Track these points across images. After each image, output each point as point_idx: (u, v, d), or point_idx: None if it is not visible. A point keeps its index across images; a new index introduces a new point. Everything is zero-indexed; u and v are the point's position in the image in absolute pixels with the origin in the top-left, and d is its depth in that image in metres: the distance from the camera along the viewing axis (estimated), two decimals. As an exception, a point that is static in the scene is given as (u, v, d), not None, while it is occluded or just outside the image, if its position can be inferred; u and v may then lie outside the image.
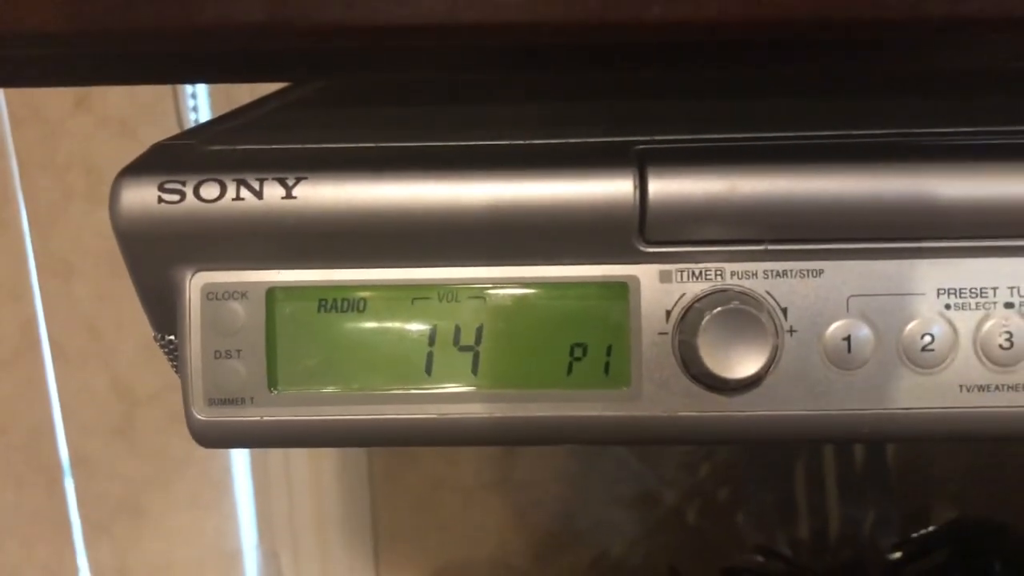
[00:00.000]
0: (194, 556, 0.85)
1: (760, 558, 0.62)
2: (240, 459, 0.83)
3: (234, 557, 0.85)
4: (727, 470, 0.78)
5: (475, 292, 0.27)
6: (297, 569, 0.84)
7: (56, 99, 0.73)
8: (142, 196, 0.25)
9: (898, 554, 0.60)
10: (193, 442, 0.28)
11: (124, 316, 0.78)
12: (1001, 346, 0.26)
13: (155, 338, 0.30)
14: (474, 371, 0.27)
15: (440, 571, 0.84)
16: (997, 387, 0.26)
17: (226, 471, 0.83)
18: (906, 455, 0.76)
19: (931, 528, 0.61)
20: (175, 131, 0.72)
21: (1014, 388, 0.26)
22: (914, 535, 0.61)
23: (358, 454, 0.82)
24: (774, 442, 0.27)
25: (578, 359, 0.27)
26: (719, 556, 0.73)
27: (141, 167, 0.26)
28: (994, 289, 0.26)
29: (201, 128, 0.32)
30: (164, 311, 0.28)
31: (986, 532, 0.59)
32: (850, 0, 0.20)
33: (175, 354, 0.29)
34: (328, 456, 0.81)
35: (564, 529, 0.82)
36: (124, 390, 0.80)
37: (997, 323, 0.26)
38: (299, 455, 0.81)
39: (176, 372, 0.30)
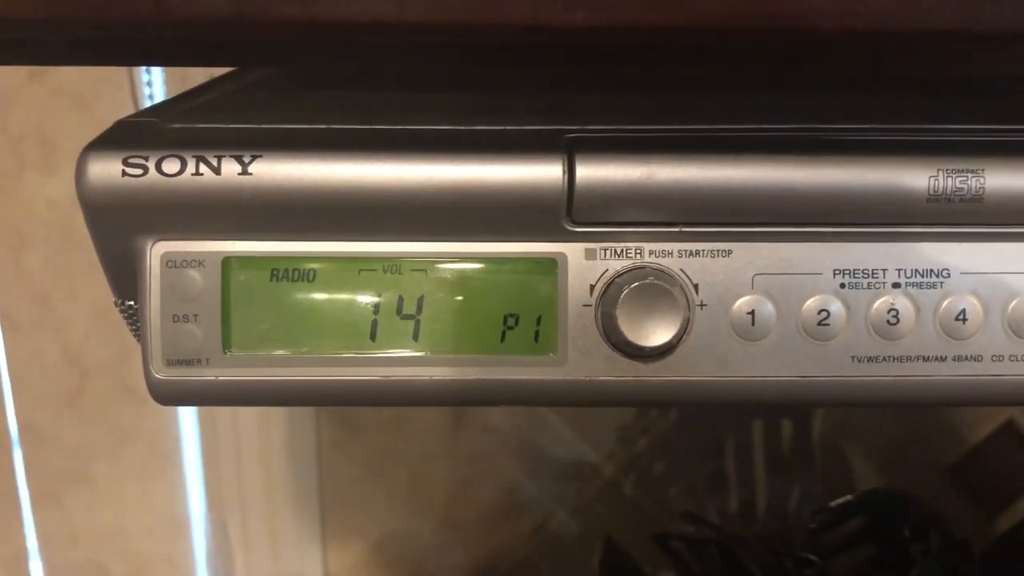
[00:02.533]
0: (143, 524, 0.87)
1: (690, 526, 0.66)
2: (189, 429, 0.84)
3: (183, 525, 0.87)
4: (662, 445, 0.82)
5: (417, 265, 0.29)
6: (245, 537, 0.86)
7: (9, 70, 0.73)
8: (107, 169, 0.27)
9: (816, 522, 0.64)
10: (143, 412, 0.30)
11: (76, 286, 0.78)
12: (888, 322, 0.29)
13: (115, 303, 0.31)
14: (415, 338, 0.29)
15: (385, 539, 0.86)
16: (884, 358, 0.29)
17: (175, 440, 0.84)
18: (830, 432, 0.80)
19: (847, 498, 0.65)
20: (129, 104, 0.73)
21: (899, 359, 0.29)
22: (831, 504, 0.65)
23: (306, 425, 0.84)
24: (686, 405, 0.30)
25: (511, 328, 0.29)
26: (654, 525, 0.77)
27: (106, 142, 0.28)
28: (883, 271, 0.29)
29: (162, 106, 0.33)
30: (125, 278, 0.30)
31: (895, 502, 0.63)
32: (749, 13, 0.22)
33: (134, 318, 0.31)
34: (277, 426, 0.83)
35: (507, 499, 0.85)
36: (74, 360, 0.81)
37: (885, 301, 0.29)
38: (248, 426, 0.83)
39: (135, 336, 0.31)
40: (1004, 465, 0.77)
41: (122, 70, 0.72)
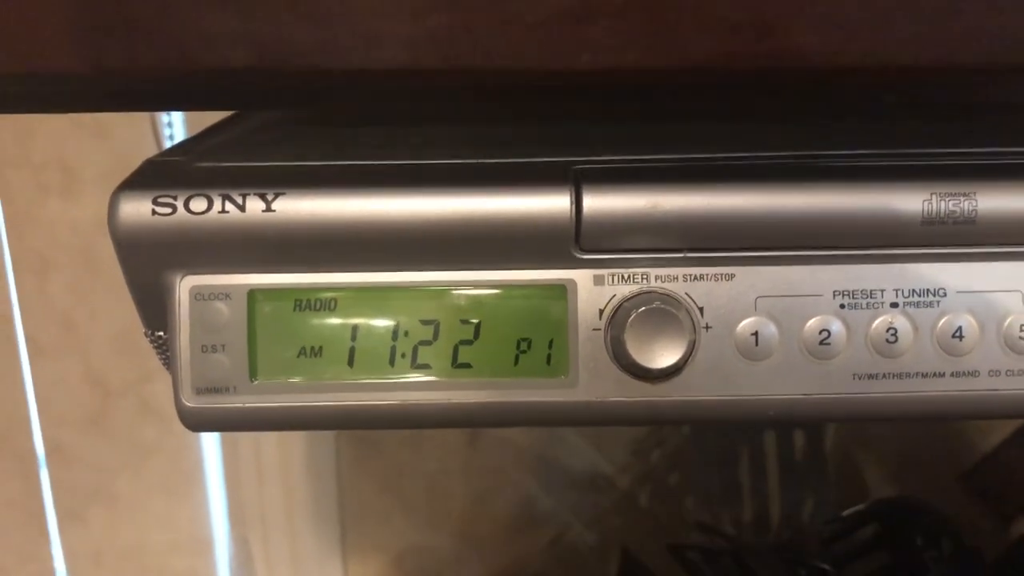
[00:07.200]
0: (167, 542, 0.88)
1: (704, 536, 0.67)
2: (211, 448, 0.85)
3: (206, 542, 0.88)
4: (677, 456, 0.82)
5: (433, 293, 0.30)
6: (267, 553, 0.87)
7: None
8: (138, 209, 0.29)
9: (829, 532, 0.65)
10: (164, 431, 0.31)
11: (98, 309, 0.80)
12: (887, 340, 0.30)
13: (146, 334, 0.33)
14: (432, 363, 0.30)
15: (404, 553, 0.87)
16: (884, 375, 0.30)
17: (198, 459, 0.85)
18: (842, 441, 0.81)
19: (859, 507, 0.65)
20: (149, 132, 0.75)
21: (898, 376, 0.30)
22: (843, 513, 0.66)
23: (326, 442, 0.85)
24: (693, 423, 0.31)
25: (523, 352, 0.30)
26: (669, 536, 0.77)
27: (136, 182, 0.29)
28: (882, 291, 0.30)
29: (188, 144, 0.35)
30: (155, 310, 0.31)
31: (908, 510, 0.63)
32: (746, 54, 0.23)
33: (164, 349, 0.32)
34: (297, 444, 0.84)
35: (523, 512, 0.86)
36: (98, 381, 0.82)
37: (884, 320, 0.30)
38: (269, 444, 0.84)
39: (164, 365, 0.33)
40: (1017, 472, 0.78)
41: (141, 98, 0.73)
